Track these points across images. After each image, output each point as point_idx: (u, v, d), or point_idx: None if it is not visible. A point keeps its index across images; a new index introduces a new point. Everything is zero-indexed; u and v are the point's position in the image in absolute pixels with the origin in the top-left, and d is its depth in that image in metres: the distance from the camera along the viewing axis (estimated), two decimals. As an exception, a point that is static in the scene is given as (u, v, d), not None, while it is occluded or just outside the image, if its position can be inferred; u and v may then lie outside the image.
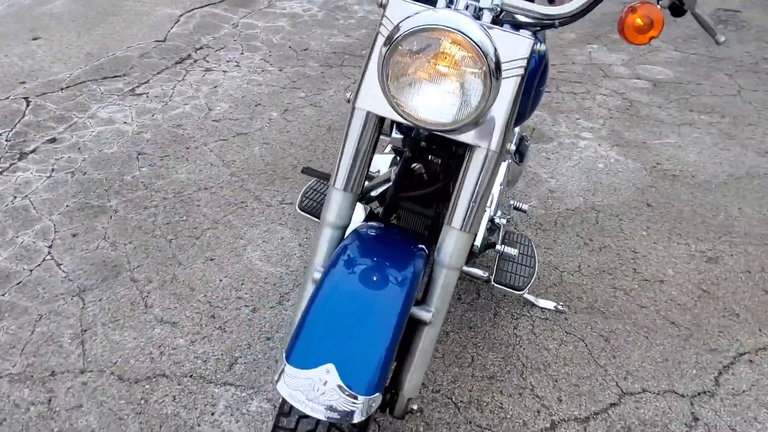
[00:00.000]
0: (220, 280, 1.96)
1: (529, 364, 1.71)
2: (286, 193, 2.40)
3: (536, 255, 1.78)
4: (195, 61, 3.46)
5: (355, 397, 0.91)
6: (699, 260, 2.13)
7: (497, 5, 1.09)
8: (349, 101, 1.18)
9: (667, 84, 3.45)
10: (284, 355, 0.96)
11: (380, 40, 1.11)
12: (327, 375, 0.92)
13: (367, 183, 1.69)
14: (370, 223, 1.28)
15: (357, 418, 0.90)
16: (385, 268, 1.10)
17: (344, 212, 1.20)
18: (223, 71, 3.35)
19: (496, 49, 0.95)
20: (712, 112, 3.17)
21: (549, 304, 1.88)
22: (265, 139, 2.77)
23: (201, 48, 3.61)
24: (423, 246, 1.23)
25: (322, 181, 1.89)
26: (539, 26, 1.15)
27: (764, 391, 1.67)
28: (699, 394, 1.65)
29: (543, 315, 1.86)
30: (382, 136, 1.71)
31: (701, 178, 2.61)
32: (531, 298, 1.88)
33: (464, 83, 0.97)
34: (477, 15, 1.10)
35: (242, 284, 1.95)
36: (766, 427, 1.57)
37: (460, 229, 1.14)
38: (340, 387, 0.91)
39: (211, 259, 2.05)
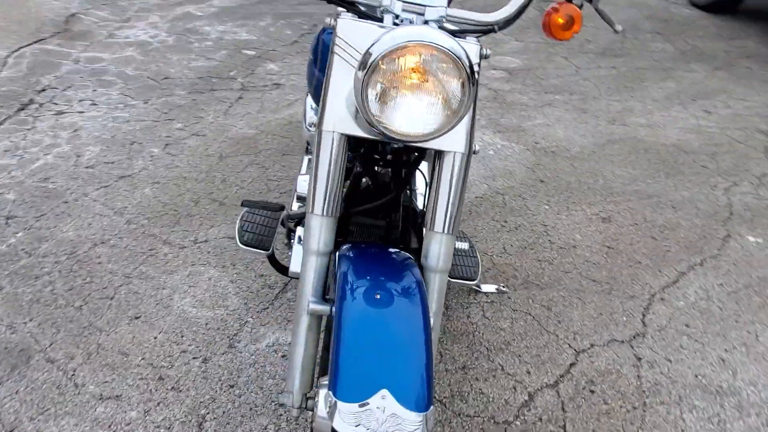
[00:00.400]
0: (155, 338, 1.78)
1: (492, 346, 1.80)
2: (197, 231, 2.24)
3: (473, 244, 1.88)
4: (41, 105, 3.06)
5: (416, 417, 0.90)
6: (596, 222, 2.41)
7: (442, 17, 1.13)
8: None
9: (520, 71, 3.82)
10: (332, 392, 0.91)
11: (338, 62, 1.10)
12: (384, 401, 0.89)
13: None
14: (348, 245, 1.25)
15: (426, 437, 0.90)
16: (393, 285, 1.09)
17: (328, 237, 1.17)
18: (79, 112, 3.02)
19: (469, 57, 1.00)
20: (563, 91, 3.58)
21: (491, 288, 1.99)
22: (154, 178, 2.55)
23: (44, 90, 3.21)
24: (409, 255, 1.24)
25: (255, 211, 1.81)
26: (482, 33, 1.22)
27: (680, 322, 1.94)
28: (634, 337, 1.87)
29: (488, 299, 1.97)
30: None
31: (574, 150, 2.94)
32: (475, 285, 1.98)
33: (445, 93, 1.01)
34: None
35: (182, 336, 1.79)
36: (691, 351, 1.83)
37: (444, 232, 1.17)
38: (399, 410, 0.89)
39: (137, 317, 1.85)
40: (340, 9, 1.19)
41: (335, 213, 1.16)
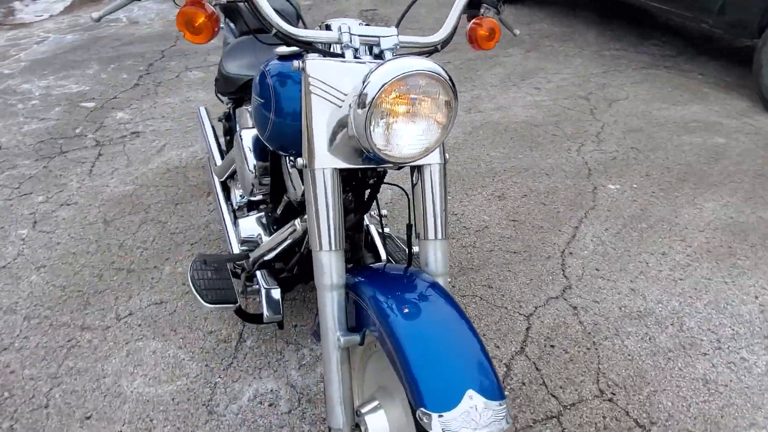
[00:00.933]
0: (120, 431, 1.61)
1: (457, 334, 1.93)
2: (116, 307, 2.03)
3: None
4: None
5: (500, 405, 0.98)
6: (494, 201, 2.68)
7: (396, 44, 1.22)
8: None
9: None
10: (423, 407, 0.95)
11: (317, 101, 1.13)
12: (472, 400, 0.96)
13: (263, 252, 1.63)
14: (350, 273, 1.27)
15: (510, 421, 0.98)
16: (422, 294, 1.15)
17: (341, 270, 1.18)
18: None
19: (450, 77, 1.10)
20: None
21: (435, 282, 2.12)
22: (36, 262, 2.25)
23: None
24: (408, 266, 1.31)
25: (203, 267, 1.72)
26: (427, 53, 1.33)
27: (591, 268, 2.26)
28: (564, 291, 2.15)
29: (436, 292, 2.10)
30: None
31: (449, 143, 3.20)
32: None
33: (438, 113, 1.09)
34: (380, 55, 1.21)
35: (152, 420, 1.64)
36: (608, 289, 2.15)
37: (439, 238, 1.26)
38: (487, 404, 0.96)
39: (87, 417, 1.65)
40: (280, 49, 1.22)
41: (342, 245, 1.19)
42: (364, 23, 1.22)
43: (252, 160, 1.59)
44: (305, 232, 1.54)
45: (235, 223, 1.92)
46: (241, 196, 2.00)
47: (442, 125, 1.11)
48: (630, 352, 1.88)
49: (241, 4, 1.17)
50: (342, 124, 1.15)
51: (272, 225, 1.76)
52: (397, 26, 1.26)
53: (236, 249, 1.84)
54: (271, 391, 1.73)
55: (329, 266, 1.17)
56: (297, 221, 1.55)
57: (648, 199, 2.71)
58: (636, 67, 4.38)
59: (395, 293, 1.15)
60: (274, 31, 1.18)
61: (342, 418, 1.20)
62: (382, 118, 1.05)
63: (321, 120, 1.15)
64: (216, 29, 1.18)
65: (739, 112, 3.66)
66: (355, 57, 1.19)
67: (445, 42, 1.34)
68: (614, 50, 4.74)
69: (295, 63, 1.16)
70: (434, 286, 1.19)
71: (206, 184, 2.76)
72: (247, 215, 1.82)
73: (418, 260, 1.33)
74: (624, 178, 2.88)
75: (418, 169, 1.26)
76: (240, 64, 2.01)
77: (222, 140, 2.43)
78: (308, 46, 1.20)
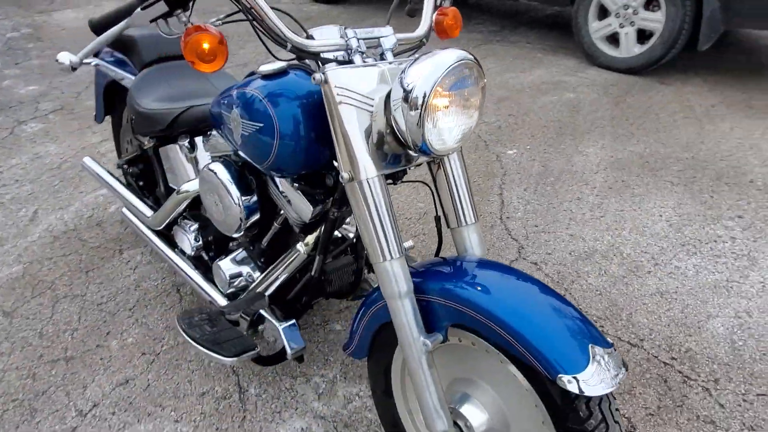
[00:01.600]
0: None
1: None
2: (72, 402, 1.72)
3: None
4: None
5: (615, 351, 1.04)
6: (418, 187, 2.76)
7: (394, 43, 1.23)
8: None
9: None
10: (563, 374, 0.97)
11: (348, 111, 1.10)
12: (597, 354, 1.01)
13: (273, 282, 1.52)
14: (412, 280, 1.22)
15: (625, 364, 1.05)
16: (493, 272, 1.17)
17: (407, 275, 1.16)
18: None
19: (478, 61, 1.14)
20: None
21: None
22: (-66, 384, 1.80)
23: None
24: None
25: (190, 321, 1.54)
26: (417, 47, 1.34)
27: (530, 226, 2.46)
28: (519, 251, 2.31)
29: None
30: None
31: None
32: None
33: (479, 99, 1.12)
34: (383, 56, 1.21)
35: (186, 508, 1.43)
36: (554, 241, 2.36)
37: (474, 222, 1.29)
38: (607, 353, 1.03)
39: None
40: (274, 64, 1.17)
41: (402, 251, 1.16)
42: (345, 27, 1.20)
43: (236, 193, 1.45)
44: (310, 254, 1.47)
45: (207, 270, 1.74)
46: (196, 240, 1.81)
47: (479, 110, 1.14)
48: (596, 288, 2.10)
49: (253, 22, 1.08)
50: (375, 129, 1.12)
51: (259, 259, 1.63)
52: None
53: (218, 296, 1.67)
54: (302, 429, 1.61)
55: (396, 274, 1.14)
56: (299, 245, 1.46)
57: (543, 156, 3.01)
58: (475, 45, 4.79)
59: (467, 280, 1.15)
60: (289, 46, 1.11)
61: (445, 421, 1.18)
62: (434, 115, 1.05)
63: (356, 129, 1.11)
64: (227, 52, 1.07)
65: (572, 69, 4.22)
66: (363, 61, 1.17)
67: (427, 35, 1.37)
68: (450, 33, 5.12)
69: (317, 76, 1.10)
70: (493, 264, 1.22)
71: (113, 241, 2.43)
72: (224, 257, 1.66)
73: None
74: (516, 143, 3.16)
75: (437, 160, 1.28)
76: (159, 97, 1.82)
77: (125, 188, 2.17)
78: (316, 57, 1.15)
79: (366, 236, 1.15)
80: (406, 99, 1.05)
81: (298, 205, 1.40)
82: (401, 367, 1.39)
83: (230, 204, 1.46)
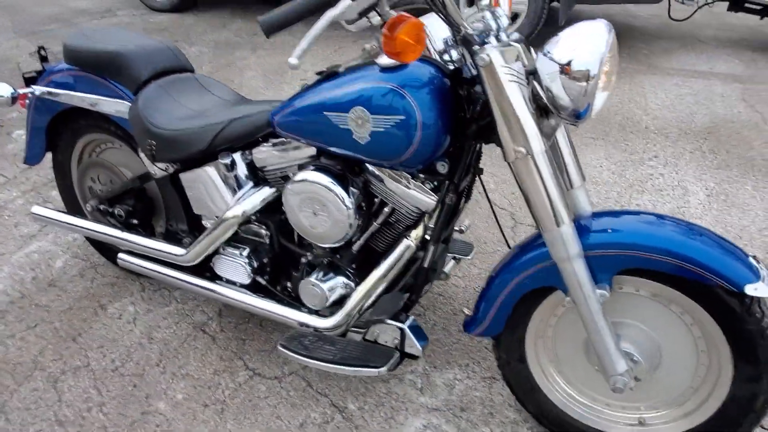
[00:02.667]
0: None
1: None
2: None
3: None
4: None
5: (759, 261, 1.24)
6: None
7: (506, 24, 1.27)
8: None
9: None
10: (750, 283, 1.13)
11: (515, 88, 1.14)
12: (757, 263, 1.20)
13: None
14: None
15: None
16: (631, 215, 1.31)
17: (576, 237, 1.23)
18: None
19: None
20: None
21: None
22: None
23: None
24: None
25: (305, 341, 1.43)
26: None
27: (507, 193, 2.65)
28: (512, 220, 2.48)
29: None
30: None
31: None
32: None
33: (617, 65, 1.22)
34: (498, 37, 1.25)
35: None
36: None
37: (583, 182, 1.40)
38: (760, 261, 1.22)
39: None
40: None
41: (571, 217, 1.23)
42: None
43: (346, 198, 1.37)
44: (420, 246, 1.46)
45: (291, 296, 1.61)
46: (251, 265, 1.65)
47: (615, 74, 1.24)
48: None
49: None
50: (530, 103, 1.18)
51: (349, 265, 1.55)
52: None
53: (310, 316, 1.55)
54: (425, 426, 1.59)
55: (569, 238, 1.21)
56: (409, 238, 1.44)
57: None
58: (354, 41, 4.87)
59: (627, 228, 1.27)
60: (463, 32, 1.10)
61: (623, 361, 1.28)
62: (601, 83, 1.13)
63: (523, 105, 1.16)
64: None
65: (455, 54, 4.53)
66: (497, 39, 1.21)
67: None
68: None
69: (484, 57, 1.12)
70: (631, 211, 1.36)
71: (85, 299, 2.07)
72: (308, 274, 1.54)
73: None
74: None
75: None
76: (182, 116, 1.62)
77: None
78: (471, 42, 1.16)
79: (539, 208, 1.20)
80: (564, 71, 1.11)
81: (417, 198, 1.38)
82: (535, 331, 1.46)
83: (338, 211, 1.38)
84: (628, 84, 3.90)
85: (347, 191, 1.39)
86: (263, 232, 1.66)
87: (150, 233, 1.93)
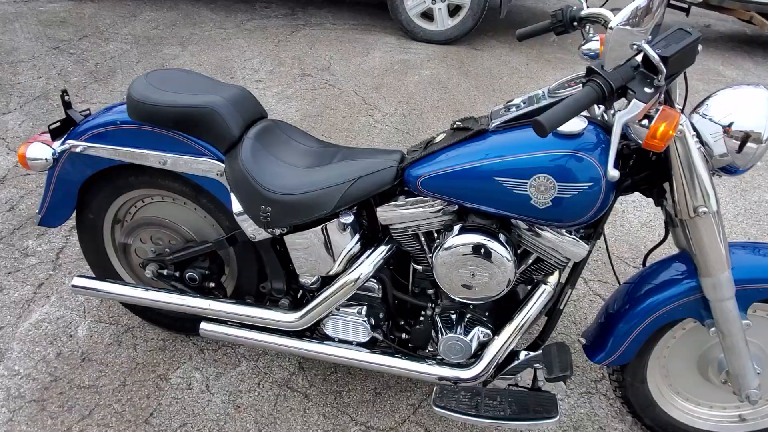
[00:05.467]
0: None
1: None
2: None
3: None
4: None
5: None
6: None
7: None
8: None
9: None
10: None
11: (697, 151, 1.22)
12: None
13: None
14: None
15: None
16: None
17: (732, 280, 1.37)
18: None
19: None
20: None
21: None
22: None
23: None
24: None
25: (461, 398, 1.43)
26: None
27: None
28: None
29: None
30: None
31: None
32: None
33: None
34: None
35: None
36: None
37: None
38: None
39: None
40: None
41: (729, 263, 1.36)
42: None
43: (508, 254, 1.38)
44: (560, 287, 1.51)
45: (409, 347, 1.59)
46: (371, 322, 1.60)
47: None
48: (607, 236, 2.57)
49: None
50: None
51: (483, 314, 1.56)
52: None
53: (452, 370, 1.54)
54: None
55: (728, 282, 1.34)
56: (548, 283, 1.49)
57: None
58: (291, 33, 4.65)
59: (761, 261, 1.43)
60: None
61: (756, 378, 1.46)
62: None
63: (705, 167, 1.25)
64: None
65: (401, 47, 4.51)
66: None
67: None
68: (249, 22, 4.81)
69: (681, 128, 1.18)
70: (745, 243, 1.52)
71: (137, 371, 1.84)
72: (448, 328, 1.52)
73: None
74: (433, 127, 3.36)
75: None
76: (299, 177, 1.51)
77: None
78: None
79: (712, 258, 1.31)
80: (726, 131, 1.22)
81: (570, 249, 1.42)
82: (657, 354, 1.60)
83: (500, 268, 1.38)
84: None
85: (505, 247, 1.39)
86: (376, 286, 1.60)
87: (222, 295, 1.77)
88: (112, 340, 1.95)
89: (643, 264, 1.59)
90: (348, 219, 1.49)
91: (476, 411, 1.44)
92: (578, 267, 1.49)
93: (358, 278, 1.52)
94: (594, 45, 1.49)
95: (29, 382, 1.80)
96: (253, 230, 1.55)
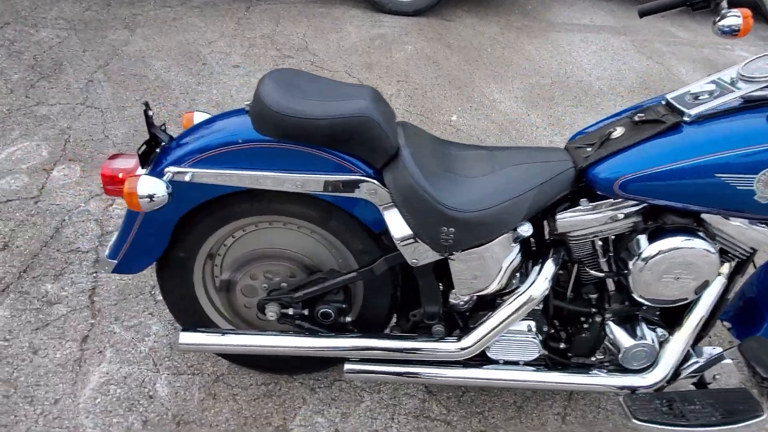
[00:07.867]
0: None
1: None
2: None
3: None
4: None
5: None
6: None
7: None
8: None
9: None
10: None
11: None
12: None
13: None
14: None
15: None
16: None
17: None
18: None
19: None
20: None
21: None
22: None
23: None
24: None
25: (659, 405, 1.37)
26: None
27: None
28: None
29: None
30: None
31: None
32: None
33: None
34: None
35: None
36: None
37: None
38: None
39: None
40: None
41: None
42: None
43: (713, 251, 1.31)
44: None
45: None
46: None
47: None
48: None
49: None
50: None
51: (654, 314, 1.48)
52: None
53: (638, 378, 1.45)
54: None
55: None
56: (722, 275, 1.45)
57: (488, 111, 3.18)
58: (247, 9, 4.21)
59: None
60: None
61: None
62: None
63: None
64: None
65: (372, 20, 4.24)
66: None
67: None
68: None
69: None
70: None
71: (249, 425, 1.58)
72: (634, 340, 1.43)
73: None
74: (444, 108, 3.20)
75: None
76: (472, 191, 1.32)
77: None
78: None
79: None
80: None
81: (757, 238, 1.36)
82: None
83: (708, 267, 1.31)
84: (549, 44, 4.17)
85: (711, 245, 1.31)
86: None
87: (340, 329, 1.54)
88: (204, 394, 1.65)
89: None
90: (528, 231, 1.34)
91: (686, 420, 1.36)
92: (752, 255, 1.45)
93: (537, 295, 1.37)
94: (734, 21, 1.41)
95: (123, 463, 1.48)
96: (417, 254, 1.34)
